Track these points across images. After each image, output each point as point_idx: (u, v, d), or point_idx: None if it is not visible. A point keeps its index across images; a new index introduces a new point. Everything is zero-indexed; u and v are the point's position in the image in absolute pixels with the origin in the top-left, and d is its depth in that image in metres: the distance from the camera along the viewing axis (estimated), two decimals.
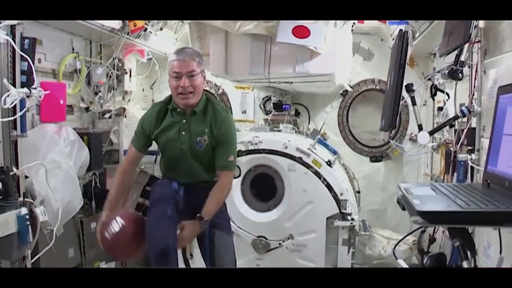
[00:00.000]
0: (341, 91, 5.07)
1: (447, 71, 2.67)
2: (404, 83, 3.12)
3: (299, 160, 3.94)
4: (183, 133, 2.88)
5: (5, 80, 2.57)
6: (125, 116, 4.38)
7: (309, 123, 5.25)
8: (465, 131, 2.71)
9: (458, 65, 2.60)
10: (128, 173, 3.03)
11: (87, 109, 4.09)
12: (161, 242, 2.60)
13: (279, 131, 4.64)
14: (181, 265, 4.02)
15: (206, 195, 2.95)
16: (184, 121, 2.89)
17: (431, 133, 3.19)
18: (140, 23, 3.97)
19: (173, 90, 2.84)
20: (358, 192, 4.94)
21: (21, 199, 2.73)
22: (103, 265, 3.87)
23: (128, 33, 4.03)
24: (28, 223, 2.61)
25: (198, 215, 2.77)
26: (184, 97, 2.81)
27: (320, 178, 3.91)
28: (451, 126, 3.01)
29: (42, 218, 2.81)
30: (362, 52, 5.07)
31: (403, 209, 1.76)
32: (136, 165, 3.14)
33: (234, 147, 2.96)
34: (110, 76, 4.28)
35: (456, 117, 2.79)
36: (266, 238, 4.03)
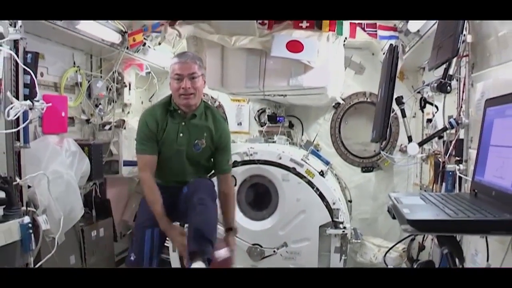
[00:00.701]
0: (334, 104, 5.11)
1: (436, 84, 2.70)
2: (394, 96, 3.16)
3: (293, 171, 3.97)
4: (181, 135, 2.94)
5: (8, 93, 2.58)
6: (125, 128, 4.43)
7: (302, 134, 5.28)
8: (453, 142, 2.73)
9: (446, 79, 2.63)
10: (153, 181, 2.94)
11: (87, 121, 4.13)
12: None
13: (273, 142, 4.69)
14: None
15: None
16: (184, 123, 2.95)
17: (421, 144, 3.24)
18: (139, 38, 4.02)
19: (174, 92, 2.89)
20: (350, 201, 4.99)
21: (24, 208, 2.73)
22: None
23: (127, 48, 4.09)
24: (30, 231, 2.61)
25: (226, 228, 3.10)
26: (185, 98, 2.86)
27: (313, 188, 3.94)
28: (440, 137, 3.02)
29: (44, 227, 2.81)
30: (354, 66, 5.10)
31: (394, 217, 1.79)
32: (153, 170, 2.97)
33: (231, 152, 3.17)
34: (110, 89, 4.34)
35: (444, 129, 2.82)
36: (261, 246, 4.05)
